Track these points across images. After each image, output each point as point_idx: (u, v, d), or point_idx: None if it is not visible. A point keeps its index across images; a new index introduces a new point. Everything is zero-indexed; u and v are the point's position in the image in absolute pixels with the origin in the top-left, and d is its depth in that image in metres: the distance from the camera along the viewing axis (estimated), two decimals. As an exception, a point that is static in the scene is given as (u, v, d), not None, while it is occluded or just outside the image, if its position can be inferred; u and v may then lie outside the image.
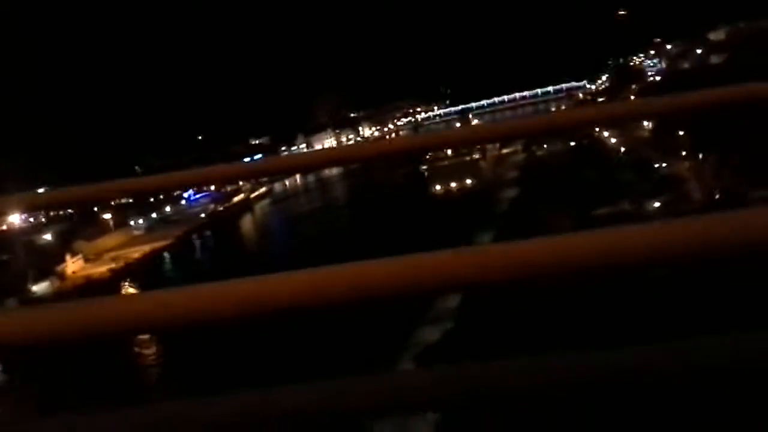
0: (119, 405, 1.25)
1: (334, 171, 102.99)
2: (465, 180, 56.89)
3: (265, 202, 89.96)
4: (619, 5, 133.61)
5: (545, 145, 64.58)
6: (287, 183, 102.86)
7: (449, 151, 59.08)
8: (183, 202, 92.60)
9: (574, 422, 16.82)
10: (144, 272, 62.70)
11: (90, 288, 59.19)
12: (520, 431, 17.76)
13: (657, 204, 39.71)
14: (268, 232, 76.50)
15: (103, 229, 79.30)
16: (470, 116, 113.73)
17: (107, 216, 77.62)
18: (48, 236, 78.37)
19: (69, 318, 1.20)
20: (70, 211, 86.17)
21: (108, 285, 60.26)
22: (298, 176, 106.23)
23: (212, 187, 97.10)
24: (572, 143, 61.92)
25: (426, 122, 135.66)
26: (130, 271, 63.22)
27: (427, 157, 60.29)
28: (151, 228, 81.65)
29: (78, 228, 79.96)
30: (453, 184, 56.21)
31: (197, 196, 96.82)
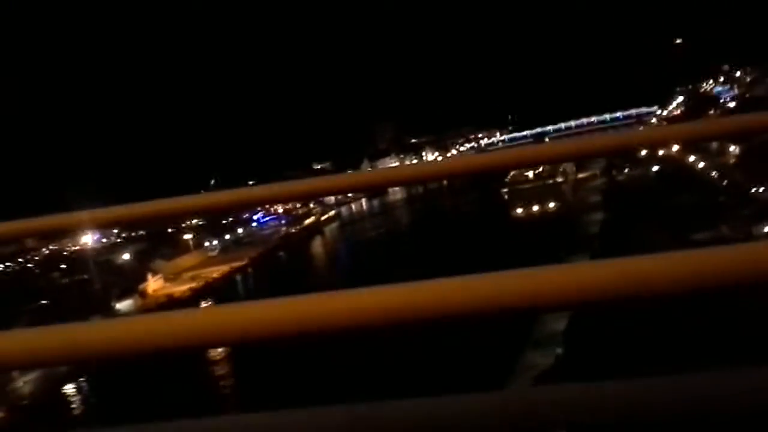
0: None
1: (398, 196, 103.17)
2: (548, 203, 56.18)
3: (334, 225, 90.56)
4: (677, 33, 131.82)
5: (626, 170, 63.45)
6: (353, 207, 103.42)
7: (530, 174, 58.74)
8: (253, 224, 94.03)
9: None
10: (223, 291, 63.65)
11: (171, 306, 60.29)
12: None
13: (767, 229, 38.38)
14: (339, 255, 76.80)
15: (179, 249, 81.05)
16: (546, 140, 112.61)
17: (187, 236, 79.20)
18: (126, 256, 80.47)
19: (148, 330, 1.20)
20: (143, 232, 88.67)
21: (188, 303, 61.38)
22: (364, 200, 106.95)
23: (280, 210, 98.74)
24: (655, 168, 60.65)
25: (489, 148, 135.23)
26: (210, 290, 64.25)
27: (507, 180, 59.99)
28: (225, 249, 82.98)
29: (155, 248, 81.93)
30: (535, 208, 55.53)
31: (266, 218, 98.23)
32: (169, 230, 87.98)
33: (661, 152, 60.95)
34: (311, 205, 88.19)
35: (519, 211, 55.64)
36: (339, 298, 1.16)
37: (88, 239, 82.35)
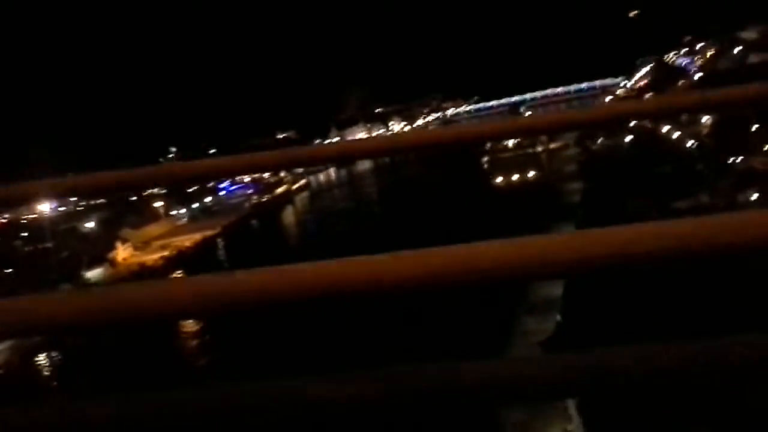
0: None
1: (367, 165, 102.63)
2: (528, 172, 56.47)
3: (305, 194, 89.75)
4: (636, 4, 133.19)
5: (599, 140, 64.15)
6: (322, 177, 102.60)
7: (510, 143, 58.90)
8: (221, 193, 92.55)
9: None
10: (196, 260, 62.63)
11: (145, 275, 59.03)
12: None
13: (753, 197, 39.25)
14: (311, 225, 76.25)
15: (146, 217, 79.28)
16: (522, 110, 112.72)
17: (158, 204, 77.57)
18: (91, 224, 78.47)
19: (119, 301, 1.19)
20: (104, 200, 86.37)
21: (161, 272, 60.17)
22: (332, 170, 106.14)
23: (246, 179, 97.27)
24: (629, 138, 61.42)
25: (455, 118, 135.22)
26: (183, 259, 63.16)
27: (488, 148, 59.98)
28: (194, 218, 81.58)
29: (120, 216, 79.97)
30: (515, 177, 55.81)
31: (233, 187, 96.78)
32: (133, 198, 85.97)
33: (633, 123, 61.76)
34: (282, 174, 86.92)
35: (500, 180, 55.83)
36: (315, 269, 1.15)
37: (46, 207, 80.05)
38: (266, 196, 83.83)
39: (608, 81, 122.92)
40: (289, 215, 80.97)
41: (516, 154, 58.86)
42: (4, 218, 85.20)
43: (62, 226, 78.33)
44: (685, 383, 1.10)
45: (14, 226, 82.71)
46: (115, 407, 1.22)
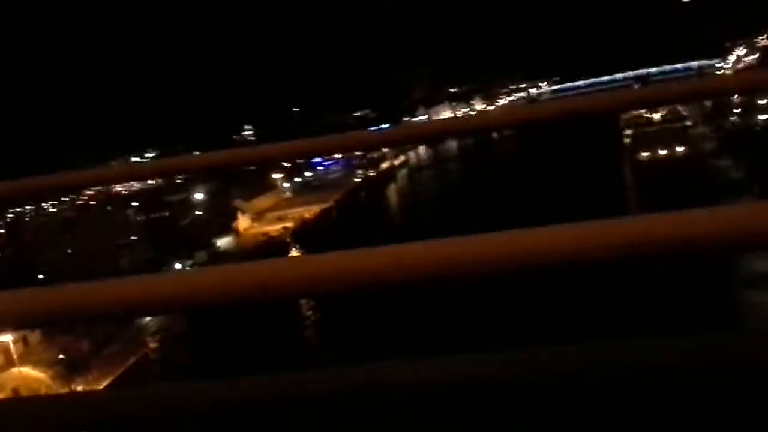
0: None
1: (466, 142, 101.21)
2: (674, 148, 54.90)
3: (404, 171, 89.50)
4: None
5: (731, 118, 62.11)
6: (417, 153, 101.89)
7: (657, 116, 57.48)
8: (319, 168, 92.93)
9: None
10: (317, 231, 62.92)
11: (271, 244, 59.64)
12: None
13: None
14: (419, 200, 75.88)
15: (253, 190, 79.90)
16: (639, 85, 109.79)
17: (277, 176, 78.35)
18: (200, 195, 79.49)
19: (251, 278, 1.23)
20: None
21: (285, 242, 60.66)
22: (422, 148, 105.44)
23: (338, 156, 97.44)
24: (763, 116, 59.31)
25: (542, 98, 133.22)
26: (305, 230, 63.60)
27: (628, 122, 58.55)
28: (298, 191, 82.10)
29: (225, 189, 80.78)
30: (662, 152, 54.19)
31: (328, 163, 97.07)
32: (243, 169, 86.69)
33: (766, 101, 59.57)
34: (384, 150, 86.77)
35: (645, 155, 54.05)
36: (436, 247, 1.16)
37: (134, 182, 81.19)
38: (371, 171, 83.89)
39: (704, 62, 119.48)
40: (393, 190, 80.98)
41: (662, 128, 57.28)
42: (102, 189, 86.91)
43: (171, 197, 79.59)
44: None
45: (118, 196, 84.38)
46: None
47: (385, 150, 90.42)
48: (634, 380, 1.15)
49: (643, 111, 60.35)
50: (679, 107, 57.57)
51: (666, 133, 56.33)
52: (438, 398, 1.20)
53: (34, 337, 37.64)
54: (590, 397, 1.19)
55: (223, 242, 61.82)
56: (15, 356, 34.82)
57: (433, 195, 74.86)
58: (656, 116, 56.72)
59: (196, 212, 71.31)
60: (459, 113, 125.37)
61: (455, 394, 1.19)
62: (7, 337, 33.04)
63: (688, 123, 58.56)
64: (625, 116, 57.63)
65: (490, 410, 1.20)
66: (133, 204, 79.70)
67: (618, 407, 1.20)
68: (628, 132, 59.40)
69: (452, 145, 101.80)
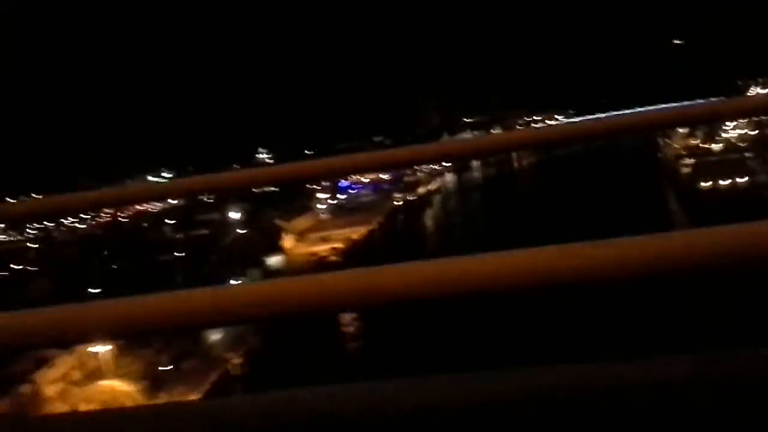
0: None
1: (501, 169, 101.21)
2: (738, 177, 54.63)
3: (439, 196, 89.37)
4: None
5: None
6: (446, 179, 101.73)
7: (716, 147, 57.38)
8: (351, 191, 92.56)
9: None
10: (365, 252, 62.20)
11: (323, 264, 58.89)
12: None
13: None
14: (458, 224, 75.49)
15: (289, 210, 79.12)
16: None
17: (322, 195, 77.83)
18: (237, 214, 78.65)
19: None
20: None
21: (337, 263, 59.88)
22: (450, 175, 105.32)
23: (365, 180, 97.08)
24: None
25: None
26: (353, 251, 62.94)
27: (687, 151, 58.40)
28: (335, 213, 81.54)
29: (259, 209, 79.95)
30: (726, 182, 53.79)
31: (356, 187, 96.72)
32: (268, 191, 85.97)
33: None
34: (418, 174, 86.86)
35: (707, 185, 53.62)
36: (487, 261, 1.19)
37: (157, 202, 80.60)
38: (411, 195, 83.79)
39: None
40: (430, 214, 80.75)
41: (723, 158, 57.04)
42: (132, 208, 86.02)
43: (207, 216, 78.74)
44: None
45: (147, 214, 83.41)
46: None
47: (420, 175, 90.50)
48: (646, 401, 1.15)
49: (699, 141, 60.43)
50: (738, 139, 57.83)
51: (726, 163, 56.18)
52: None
53: (112, 350, 36.50)
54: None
55: (272, 261, 60.88)
56: (106, 368, 33.70)
57: (469, 220, 74.56)
58: (715, 146, 56.67)
59: (238, 230, 70.45)
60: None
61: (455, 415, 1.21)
62: (104, 348, 31.97)
63: (748, 154, 58.38)
64: (678, 144, 57.80)
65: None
66: (167, 221, 78.93)
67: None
68: (687, 161, 59.11)
69: (479, 173, 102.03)
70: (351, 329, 43.09)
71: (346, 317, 43.37)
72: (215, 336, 42.95)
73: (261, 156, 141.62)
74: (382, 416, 1.21)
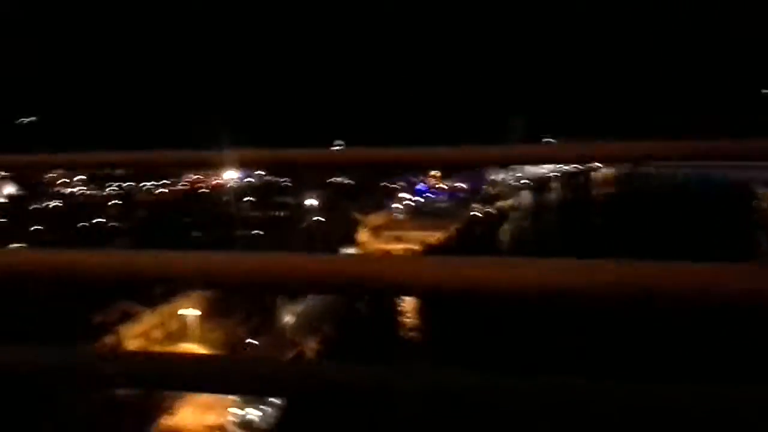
0: None
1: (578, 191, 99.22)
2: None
3: (516, 214, 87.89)
4: None
5: None
6: (522, 197, 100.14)
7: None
8: (428, 194, 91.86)
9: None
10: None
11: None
12: None
13: None
14: (530, 239, 73.92)
15: (364, 204, 78.99)
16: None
17: (404, 195, 77.56)
18: (313, 201, 78.91)
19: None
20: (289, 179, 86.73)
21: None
22: (526, 192, 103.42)
23: (443, 186, 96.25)
24: None
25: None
26: (431, 254, 62.28)
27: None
28: (409, 214, 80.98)
29: (335, 200, 79.99)
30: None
31: (432, 192, 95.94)
32: (346, 182, 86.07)
33: None
34: (498, 187, 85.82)
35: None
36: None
37: (232, 176, 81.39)
38: (490, 208, 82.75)
39: None
40: (507, 229, 79.39)
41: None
42: (202, 180, 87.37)
43: (284, 199, 79.30)
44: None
45: (222, 189, 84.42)
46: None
47: (500, 189, 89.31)
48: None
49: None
50: None
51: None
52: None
53: (192, 315, 36.69)
54: None
55: (347, 252, 60.77)
56: (187, 332, 33.86)
57: (544, 238, 72.88)
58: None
59: (314, 218, 70.68)
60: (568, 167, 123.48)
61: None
62: (190, 312, 32.07)
63: None
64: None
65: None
66: (246, 199, 79.77)
67: None
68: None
69: (558, 195, 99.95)
70: (424, 324, 43.34)
71: (420, 313, 43.46)
72: (288, 318, 42.91)
73: (336, 148, 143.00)
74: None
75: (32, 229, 63.69)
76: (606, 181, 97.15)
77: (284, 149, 2.39)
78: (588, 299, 1.20)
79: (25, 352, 1.44)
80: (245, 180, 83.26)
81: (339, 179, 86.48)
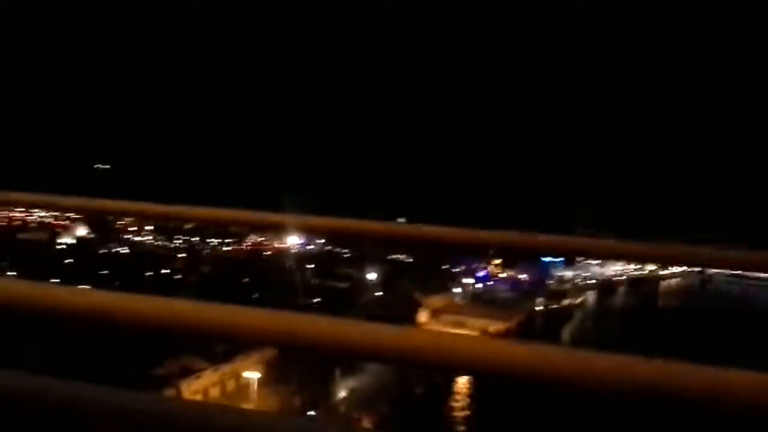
0: None
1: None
2: None
3: (579, 313, 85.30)
4: None
5: None
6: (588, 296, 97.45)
7: None
8: (488, 282, 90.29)
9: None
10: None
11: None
12: None
13: None
14: (589, 340, 71.07)
15: (424, 285, 78.02)
16: None
17: (466, 280, 76.59)
18: (373, 275, 78.48)
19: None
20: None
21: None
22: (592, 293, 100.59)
23: (503, 275, 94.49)
24: None
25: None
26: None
27: None
28: (470, 300, 79.53)
29: (396, 276, 79.23)
30: None
31: (492, 280, 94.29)
32: (408, 260, 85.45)
33: None
34: (565, 284, 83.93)
35: None
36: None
37: (294, 241, 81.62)
38: (554, 303, 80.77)
39: None
40: (569, 328, 76.87)
41: None
42: (266, 243, 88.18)
43: (343, 270, 79.11)
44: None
45: (284, 253, 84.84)
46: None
47: (567, 286, 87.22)
48: None
49: None
50: None
51: None
52: None
53: (251, 377, 36.08)
54: None
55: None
56: (243, 393, 33.20)
57: (607, 343, 69.98)
58: None
59: (375, 293, 70.12)
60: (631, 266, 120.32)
61: None
62: (251, 374, 31.48)
63: None
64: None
65: None
66: (307, 266, 79.94)
67: None
68: None
69: (625, 298, 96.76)
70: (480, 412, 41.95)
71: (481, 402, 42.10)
72: (343, 392, 41.84)
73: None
74: None
75: (99, 272, 65.00)
76: (674, 292, 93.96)
77: (350, 219, 2.32)
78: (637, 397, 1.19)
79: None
80: (307, 247, 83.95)
81: (400, 256, 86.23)
